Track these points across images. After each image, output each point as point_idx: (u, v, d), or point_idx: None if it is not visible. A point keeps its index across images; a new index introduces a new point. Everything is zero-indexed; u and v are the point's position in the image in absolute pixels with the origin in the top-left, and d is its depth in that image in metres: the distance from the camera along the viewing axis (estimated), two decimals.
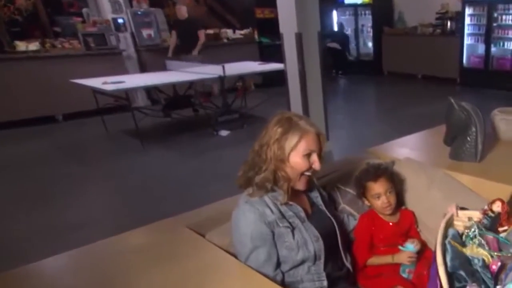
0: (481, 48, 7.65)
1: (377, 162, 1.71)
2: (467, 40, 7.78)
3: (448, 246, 1.14)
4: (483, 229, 1.24)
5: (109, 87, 4.80)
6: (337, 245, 1.45)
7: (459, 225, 1.36)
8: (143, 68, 7.24)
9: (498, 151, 2.08)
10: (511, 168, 1.82)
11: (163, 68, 6.51)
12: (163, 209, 3.18)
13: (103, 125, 5.80)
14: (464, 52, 7.84)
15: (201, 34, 6.83)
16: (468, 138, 1.91)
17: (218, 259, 1.34)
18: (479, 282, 1.09)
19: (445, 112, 1.93)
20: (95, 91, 5.21)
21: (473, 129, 1.89)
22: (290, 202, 1.36)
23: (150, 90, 6.70)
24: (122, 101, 5.17)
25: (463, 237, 1.23)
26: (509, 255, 1.16)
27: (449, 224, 1.33)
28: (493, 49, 7.48)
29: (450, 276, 1.05)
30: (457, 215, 1.37)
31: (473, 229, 1.23)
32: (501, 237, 1.23)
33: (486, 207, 1.36)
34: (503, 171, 1.82)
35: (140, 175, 4.29)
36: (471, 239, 1.21)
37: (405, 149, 2.23)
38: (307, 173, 1.37)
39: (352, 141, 4.96)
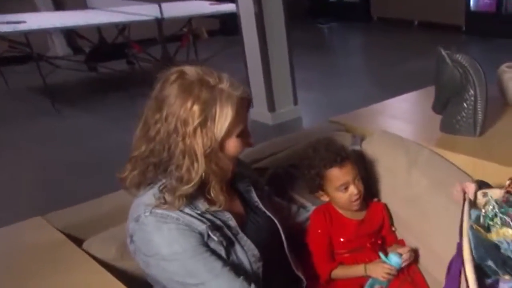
0: None
1: (334, 140, 1.67)
2: None
3: (470, 232, 1.14)
4: (504, 205, 1.25)
5: (2, 28, 4.63)
6: (283, 255, 1.40)
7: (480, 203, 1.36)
8: (59, 4, 7.09)
9: (505, 121, 2.03)
10: None
11: (83, 5, 6.45)
12: (69, 197, 3.05)
13: (1, 78, 5.71)
14: None
15: None
16: (464, 104, 1.86)
17: (97, 280, 1.25)
18: None
19: (434, 67, 1.90)
20: None
21: (471, 91, 1.83)
22: (214, 208, 1.23)
23: (69, 36, 6.60)
24: (21, 48, 5.09)
25: (481, 218, 1.23)
26: None
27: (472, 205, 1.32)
28: None
29: (477, 270, 1.04)
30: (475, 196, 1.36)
31: (491, 206, 1.23)
32: None
33: (507, 183, 1.36)
34: (511, 148, 1.79)
35: (46, 148, 4.18)
36: (491, 219, 1.21)
37: (383, 118, 2.22)
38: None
39: (328, 106, 4.95)
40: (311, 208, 1.62)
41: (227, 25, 7.60)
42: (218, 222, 1.23)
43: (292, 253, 1.42)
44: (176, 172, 1.13)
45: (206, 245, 1.17)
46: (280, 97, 4.40)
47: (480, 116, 1.85)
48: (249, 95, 1.22)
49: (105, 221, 1.44)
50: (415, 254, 1.58)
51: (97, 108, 5.14)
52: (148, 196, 1.18)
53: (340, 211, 1.56)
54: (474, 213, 1.24)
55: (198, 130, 1.12)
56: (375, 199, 1.68)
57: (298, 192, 1.69)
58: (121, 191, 1.44)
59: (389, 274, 1.46)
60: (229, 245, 1.22)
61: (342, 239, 1.54)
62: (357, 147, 1.79)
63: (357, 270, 1.51)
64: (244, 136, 1.22)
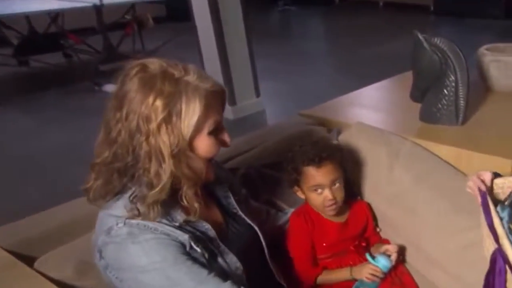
0: None
1: (323, 137, 1.70)
2: None
3: (510, 237, 1.09)
4: None
5: None
6: (265, 264, 1.42)
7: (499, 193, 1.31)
8: None
9: (488, 108, 2.09)
10: (509, 132, 1.84)
11: None
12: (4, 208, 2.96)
13: None
14: None
15: None
16: (445, 91, 1.89)
17: None
18: None
19: (412, 53, 1.93)
20: None
21: (452, 77, 1.86)
22: (191, 218, 1.21)
23: None
24: None
25: None
26: None
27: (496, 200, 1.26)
28: None
29: None
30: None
31: None
32: None
33: None
34: (496, 137, 1.83)
35: None
36: None
37: (357, 109, 2.24)
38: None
39: (293, 97, 4.98)
40: (290, 211, 1.63)
41: (175, 11, 7.56)
42: (198, 233, 1.21)
43: (273, 260, 1.43)
44: (144, 177, 1.11)
45: (188, 254, 1.15)
46: (241, 89, 4.39)
47: (462, 103, 1.88)
48: (222, 88, 1.22)
49: (58, 235, 1.41)
50: (402, 254, 1.61)
51: (30, 107, 5.05)
52: (119, 208, 1.15)
53: (321, 213, 1.57)
54: (504, 210, 1.20)
55: (163, 127, 1.10)
56: (358, 198, 1.70)
57: (274, 194, 1.70)
58: (76, 201, 1.47)
59: (374, 275, 1.48)
60: (211, 258, 1.20)
61: (324, 244, 1.55)
62: (334, 142, 1.80)
63: (342, 273, 1.53)
64: (218, 134, 1.21)
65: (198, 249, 1.16)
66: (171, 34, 6.23)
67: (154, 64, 1.14)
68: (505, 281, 1.08)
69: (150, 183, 1.11)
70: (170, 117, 1.10)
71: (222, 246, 1.25)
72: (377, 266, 1.48)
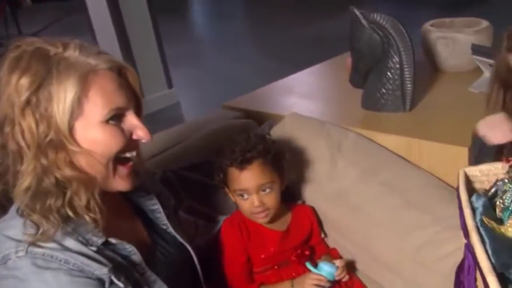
0: None
1: (255, 134, 1.66)
2: None
3: (482, 230, 1.10)
4: None
5: None
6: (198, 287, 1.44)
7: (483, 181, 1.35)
8: None
9: (437, 91, 2.16)
10: (461, 117, 1.86)
11: None
12: None
13: None
14: None
15: None
16: (389, 74, 1.94)
17: None
18: None
19: (349, 32, 1.96)
20: None
21: (395, 58, 1.92)
22: (111, 239, 1.17)
23: None
24: None
25: (497, 210, 1.21)
26: None
27: (471, 189, 1.30)
28: None
29: (501, 281, 0.98)
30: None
31: (508, 194, 1.20)
32: None
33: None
34: (449, 123, 1.87)
35: None
36: (510, 211, 1.17)
37: (290, 98, 2.26)
38: (127, 155, 1.20)
39: (212, 87, 4.99)
40: (222, 219, 1.65)
41: None
42: (120, 259, 1.17)
43: (208, 282, 1.46)
44: (23, 180, 1.07)
45: None
46: (149, 78, 4.30)
47: (409, 87, 1.95)
48: (121, 64, 1.17)
49: None
50: (352, 264, 1.66)
51: None
52: (16, 226, 1.09)
53: (255, 220, 1.59)
54: (479, 200, 1.22)
55: (28, 111, 1.05)
56: (299, 202, 1.74)
57: (199, 200, 1.70)
58: None
59: (319, 285, 1.49)
60: None
61: (263, 256, 1.58)
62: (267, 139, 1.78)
63: (283, 287, 1.55)
64: (124, 124, 1.16)
65: (120, 283, 1.12)
66: (55, 15, 6.13)
67: (29, 41, 1.10)
68: (475, 279, 1.11)
69: (28, 187, 1.07)
70: (37, 100, 1.06)
71: (149, 272, 1.23)
72: (320, 275, 1.50)
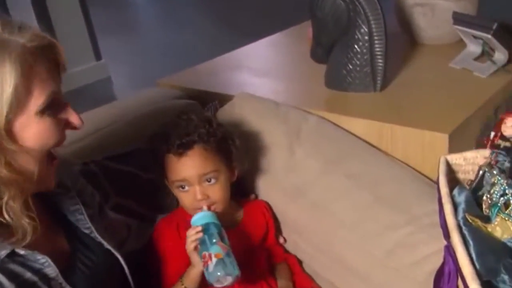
0: None
1: (196, 115, 1.67)
2: None
3: (464, 229, 1.12)
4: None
5: None
6: None
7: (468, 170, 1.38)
8: None
9: (415, 67, 2.19)
10: (441, 98, 1.91)
11: None
12: None
13: None
14: None
15: None
16: (356, 47, 1.96)
17: None
18: None
19: None
20: None
21: (364, 28, 1.94)
22: (18, 250, 1.17)
23: None
24: None
25: (483, 206, 1.22)
26: None
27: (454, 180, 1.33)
28: None
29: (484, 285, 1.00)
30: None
31: (497, 188, 1.20)
32: None
33: (491, 135, 1.39)
34: (426, 105, 1.90)
35: None
36: (499, 208, 1.17)
37: (239, 74, 2.29)
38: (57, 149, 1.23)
39: (148, 60, 5.01)
40: (158, 218, 1.65)
41: None
42: (29, 274, 1.17)
43: None
44: None
45: None
46: (72, 49, 4.13)
47: (380, 63, 1.96)
48: (49, 40, 1.16)
49: None
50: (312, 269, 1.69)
51: None
52: None
53: None
54: (461, 195, 1.23)
55: None
56: (252, 196, 1.74)
57: (131, 197, 1.69)
58: None
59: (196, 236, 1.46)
60: None
61: None
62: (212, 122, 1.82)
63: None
64: (57, 113, 1.18)
65: None
66: None
67: None
68: (456, 286, 1.13)
69: None
70: None
71: (63, 283, 1.22)
72: (195, 227, 1.48)
